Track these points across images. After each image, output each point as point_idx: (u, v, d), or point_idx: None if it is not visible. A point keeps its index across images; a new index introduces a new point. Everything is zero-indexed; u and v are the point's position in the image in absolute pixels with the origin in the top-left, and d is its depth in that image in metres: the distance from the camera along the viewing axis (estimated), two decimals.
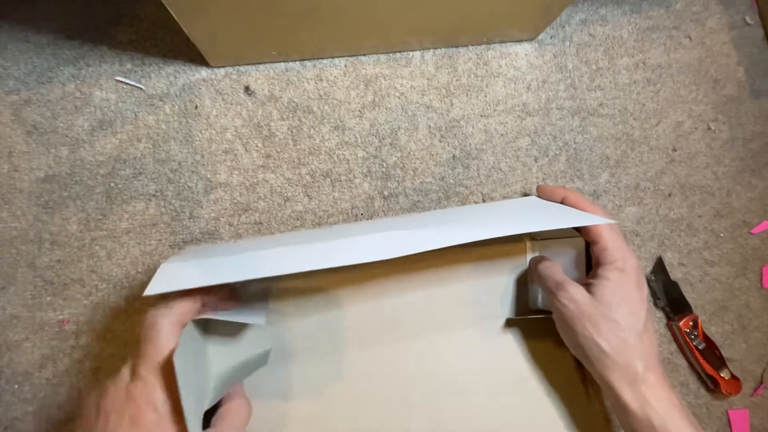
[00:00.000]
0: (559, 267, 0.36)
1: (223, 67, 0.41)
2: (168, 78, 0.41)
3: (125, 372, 0.27)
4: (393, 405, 0.37)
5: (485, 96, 0.43)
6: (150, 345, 0.27)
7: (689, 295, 0.43)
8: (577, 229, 0.36)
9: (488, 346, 0.38)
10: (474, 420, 0.37)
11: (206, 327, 0.32)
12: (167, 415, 0.26)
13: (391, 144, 0.42)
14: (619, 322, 0.31)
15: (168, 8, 0.31)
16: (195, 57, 0.40)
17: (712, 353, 0.41)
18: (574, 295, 0.32)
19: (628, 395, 0.31)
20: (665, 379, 0.31)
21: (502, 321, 0.39)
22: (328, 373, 0.37)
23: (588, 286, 0.33)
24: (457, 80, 0.43)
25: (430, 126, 0.42)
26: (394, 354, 0.38)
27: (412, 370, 0.38)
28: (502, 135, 0.43)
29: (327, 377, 0.37)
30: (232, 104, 0.41)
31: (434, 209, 0.41)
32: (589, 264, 0.37)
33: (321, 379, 0.37)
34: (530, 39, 0.45)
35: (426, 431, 0.37)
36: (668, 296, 0.43)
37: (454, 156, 0.42)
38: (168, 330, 0.27)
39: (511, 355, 0.38)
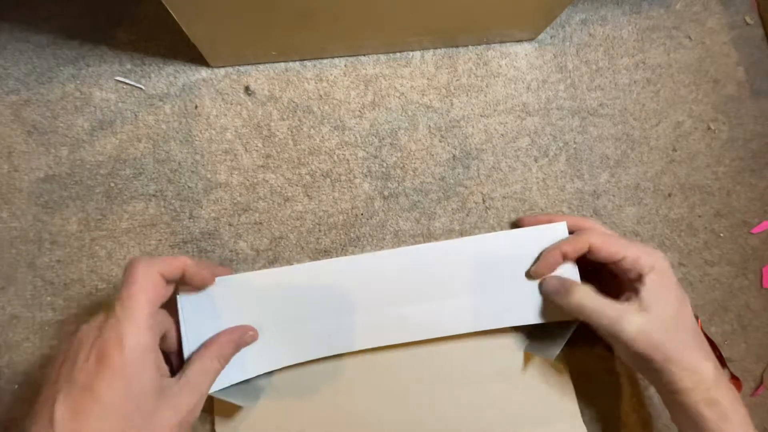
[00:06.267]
0: (596, 296, 0.33)
1: (223, 67, 0.41)
2: (168, 78, 0.41)
3: (101, 314, 0.26)
4: (385, 398, 0.37)
5: (485, 96, 0.43)
6: (126, 289, 0.26)
7: (689, 295, 0.43)
8: (584, 257, 0.34)
9: (483, 340, 0.38)
10: (467, 414, 0.37)
11: None
12: (136, 359, 0.25)
13: (391, 144, 0.42)
14: (684, 339, 0.31)
15: (168, 8, 0.31)
16: (195, 57, 0.40)
17: (712, 353, 0.41)
18: (629, 319, 0.31)
19: (707, 412, 0.30)
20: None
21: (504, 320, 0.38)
22: (318, 367, 0.37)
23: (634, 304, 0.31)
24: (457, 80, 0.43)
25: (430, 126, 0.42)
26: (387, 348, 0.37)
27: (405, 362, 0.37)
28: (502, 135, 0.43)
29: (317, 371, 0.37)
30: (232, 104, 0.41)
31: (432, 207, 0.41)
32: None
33: (311, 373, 0.37)
34: (530, 39, 0.45)
35: (418, 424, 0.37)
36: None
37: (454, 156, 0.42)
38: (144, 279, 0.27)
39: (505, 350, 0.38)
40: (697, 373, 0.30)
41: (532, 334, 0.38)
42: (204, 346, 0.31)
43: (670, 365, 0.30)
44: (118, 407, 0.24)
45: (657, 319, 0.30)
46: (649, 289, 0.31)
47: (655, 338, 0.30)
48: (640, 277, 0.32)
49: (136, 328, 0.25)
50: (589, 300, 0.32)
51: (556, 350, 0.35)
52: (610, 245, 0.32)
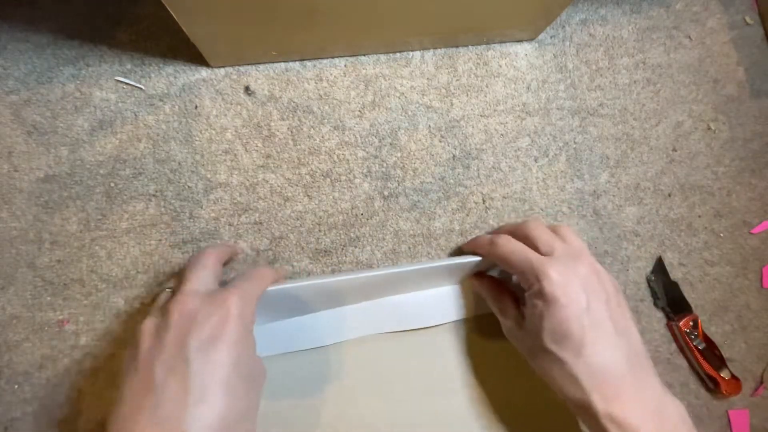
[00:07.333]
0: (501, 293, 0.35)
1: (223, 67, 0.41)
2: (168, 78, 0.41)
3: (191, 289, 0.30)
4: (377, 402, 0.37)
5: (485, 96, 0.44)
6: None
7: (689, 295, 0.43)
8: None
9: (475, 344, 0.38)
10: (459, 418, 0.37)
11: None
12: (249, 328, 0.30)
13: (391, 144, 0.42)
14: (552, 352, 0.28)
15: (168, 8, 0.31)
16: (195, 57, 0.40)
17: (712, 353, 0.41)
18: (510, 329, 0.33)
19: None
20: (637, 403, 0.27)
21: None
22: (308, 368, 0.37)
23: (522, 313, 0.33)
24: (457, 80, 0.43)
25: (430, 126, 0.42)
26: (380, 350, 0.37)
27: (397, 366, 0.37)
28: (502, 135, 0.43)
29: (307, 372, 0.37)
30: (232, 104, 0.41)
31: (432, 207, 0.41)
32: None
33: (301, 374, 0.37)
34: (530, 39, 0.45)
35: (410, 429, 0.36)
36: (668, 296, 0.43)
37: (454, 156, 0.42)
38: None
39: (497, 354, 0.38)
40: (582, 403, 0.28)
41: None
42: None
43: (547, 381, 0.31)
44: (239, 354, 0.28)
45: (529, 333, 0.31)
46: (532, 306, 0.30)
47: (523, 345, 0.32)
48: (528, 295, 0.31)
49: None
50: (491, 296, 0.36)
51: None
52: (506, 261, 0.33)
